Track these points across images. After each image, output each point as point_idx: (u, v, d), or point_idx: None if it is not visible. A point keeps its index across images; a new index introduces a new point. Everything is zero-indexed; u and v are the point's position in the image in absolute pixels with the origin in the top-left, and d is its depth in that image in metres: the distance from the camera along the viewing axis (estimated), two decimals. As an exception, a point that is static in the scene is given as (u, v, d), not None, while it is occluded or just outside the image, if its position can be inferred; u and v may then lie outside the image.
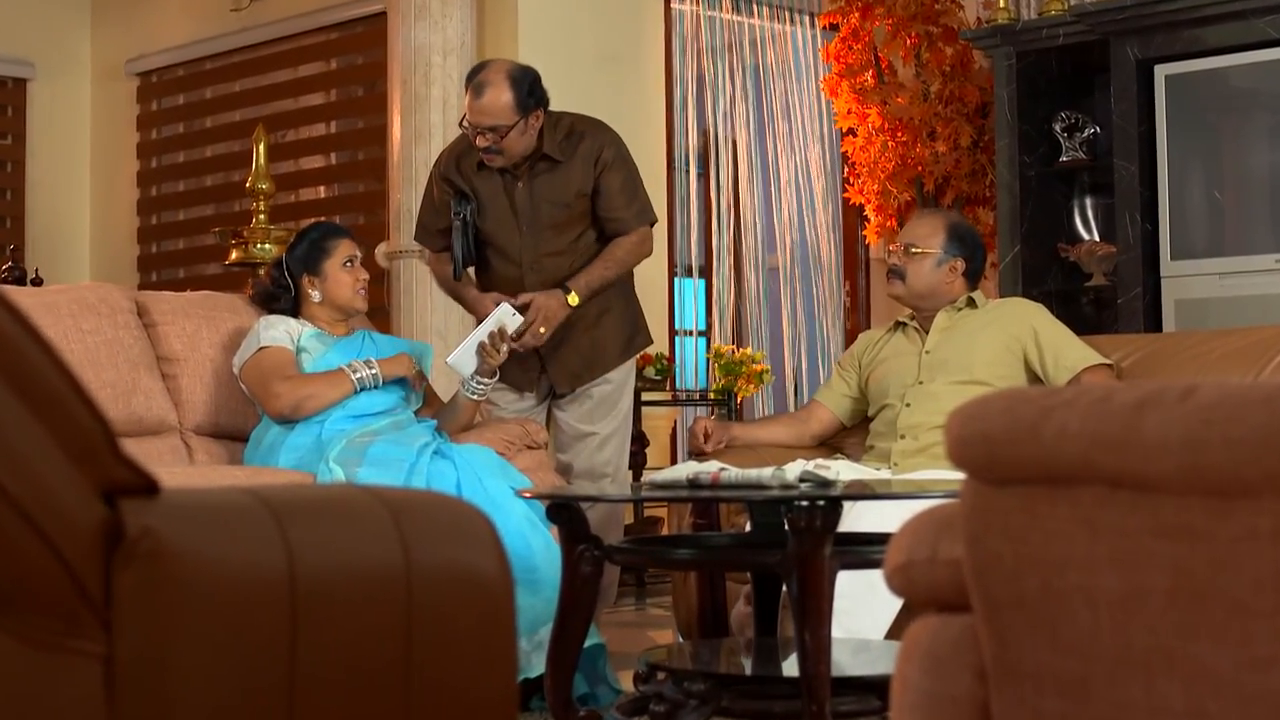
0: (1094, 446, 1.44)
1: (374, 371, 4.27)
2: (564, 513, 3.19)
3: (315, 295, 4.42)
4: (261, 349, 4.30)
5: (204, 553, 1.33)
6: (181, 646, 1.30)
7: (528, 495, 3.36)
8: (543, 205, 4.53)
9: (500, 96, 4.39)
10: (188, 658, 1.30)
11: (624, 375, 4.76)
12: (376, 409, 4.29)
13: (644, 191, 4.67)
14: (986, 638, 1.59)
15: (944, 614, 1.72)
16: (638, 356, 4.89)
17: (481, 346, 4.33)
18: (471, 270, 4.73)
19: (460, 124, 4.54)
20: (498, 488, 3.95)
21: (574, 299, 4.44)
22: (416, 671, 1.45)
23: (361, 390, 4.26)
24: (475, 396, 4.43)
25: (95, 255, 8.45)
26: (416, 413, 4.44)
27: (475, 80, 4.45)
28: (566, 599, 3.19)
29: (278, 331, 4.33)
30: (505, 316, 4.35)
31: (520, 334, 4.37)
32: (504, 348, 4.33)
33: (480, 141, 4.43)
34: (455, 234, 4.56)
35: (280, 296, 4.47)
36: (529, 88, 4.44)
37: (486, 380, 4.41)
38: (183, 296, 4.75)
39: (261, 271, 4.69)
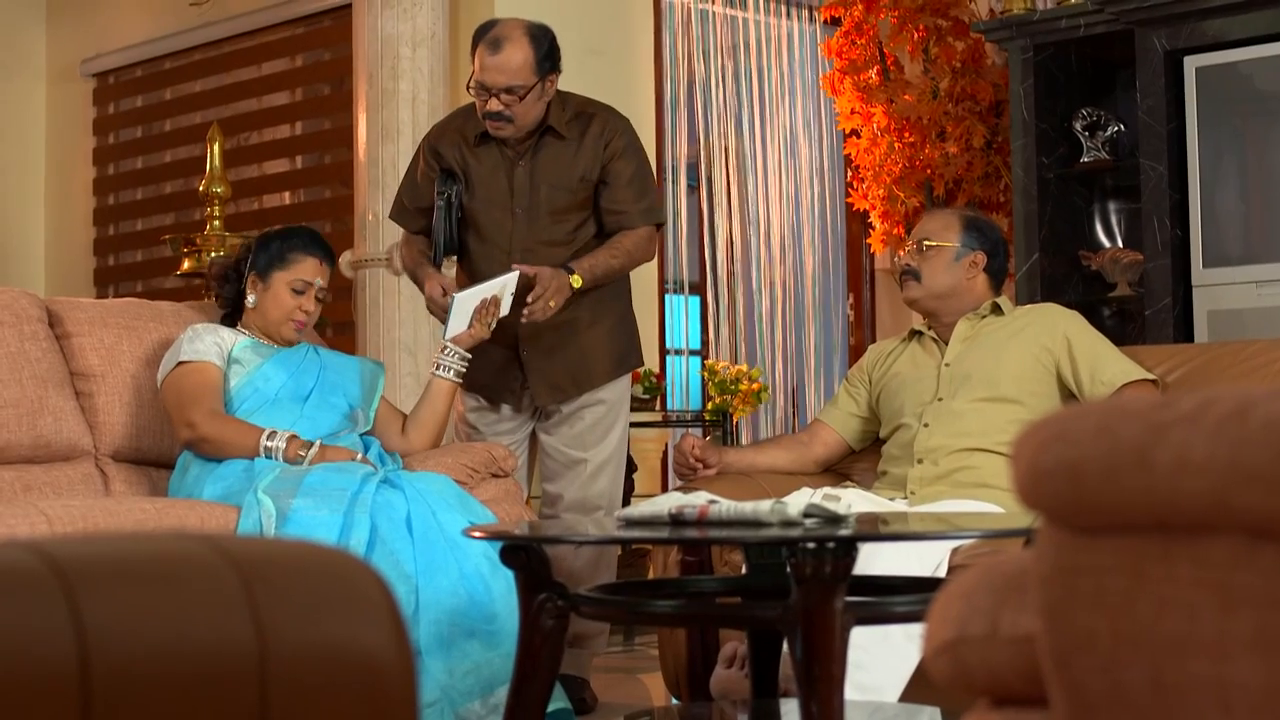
0: (1229, 481, 1.13)
1: (310, 453, 3.74)
2: (520, 556, 2.71)
3: (250, 299, 4.01)
4: (181, 364, 3.86)
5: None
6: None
7: (480, 535, 2.85)
8: (543, 187, 4.21)
9: (518, 53, 4.08)
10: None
11: (618, 395, 4.39)
12: (317, 433, 3.85)
13: (654, 187, 4.36)
14: (1072, 747, 1.26)
15: (1007, 708, 1.40)
16: (630, 376, 4.50)
17: (483, 304, 4.01)
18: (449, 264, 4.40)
19: (468, 87, 4.20)
20: (454, 522, 3.50)
21: (577, 281, 4.10)
22: (276, 786, 1.15)
23: (266, 458, 3.75)
24: (444, 373, 4.01)
25: (50, 269, 8.12)
26: (368, 434, 3.99)
27: (489, 36, 4.13)
28: (524, 658, 2.72)
29: (204, 344, 3.89)
30: (512, 284, 4.03)
31: (525, 302, 4.01)
32: (492, 322, 4.02)
33: (492, 105, 4.10)
34: (438, 215, 4.23)
35: (237, 279, 4.12)
36: (548, 47, 4.15)
37: (461, 353, 4.04)
38: (101, 304, 4.30)
39: (233, 245, 4.26)
